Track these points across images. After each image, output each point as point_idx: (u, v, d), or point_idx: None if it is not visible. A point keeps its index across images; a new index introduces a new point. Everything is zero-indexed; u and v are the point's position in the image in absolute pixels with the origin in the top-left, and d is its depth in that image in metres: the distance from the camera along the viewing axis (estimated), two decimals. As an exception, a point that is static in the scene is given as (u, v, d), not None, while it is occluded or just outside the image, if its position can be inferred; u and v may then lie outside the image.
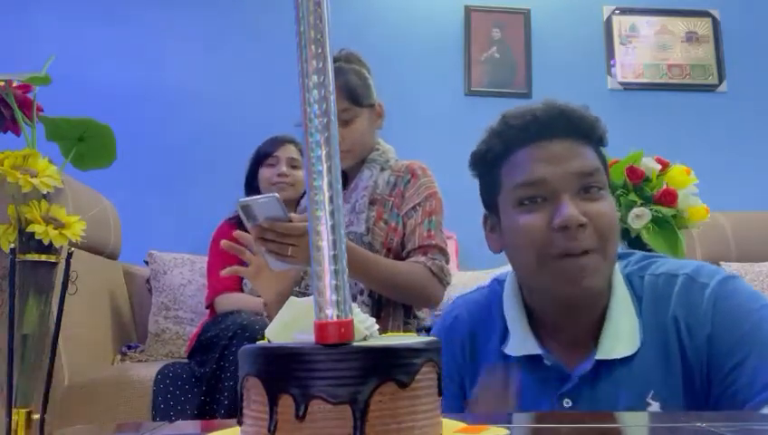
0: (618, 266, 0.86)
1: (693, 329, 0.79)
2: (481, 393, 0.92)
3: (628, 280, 0.85)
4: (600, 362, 0.81)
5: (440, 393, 0.42)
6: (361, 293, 1.37)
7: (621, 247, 1.63)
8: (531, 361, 0.86)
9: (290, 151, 2.16)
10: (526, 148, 0.83)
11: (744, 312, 0.78)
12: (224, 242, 1.24)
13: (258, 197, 1.16)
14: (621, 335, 0.81)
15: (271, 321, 0.45)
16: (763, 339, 0.76)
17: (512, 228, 0.84)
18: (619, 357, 0.81)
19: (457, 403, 0.95)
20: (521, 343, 0.87)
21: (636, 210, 1.64)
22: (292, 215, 1.16)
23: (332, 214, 0.39)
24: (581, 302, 0.83)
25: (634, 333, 0.81)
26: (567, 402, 0.83)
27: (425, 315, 1.48)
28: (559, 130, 0.82)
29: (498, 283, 0.96)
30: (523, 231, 0.82)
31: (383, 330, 0.53)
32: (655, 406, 0.79)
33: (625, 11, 3.35)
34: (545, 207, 0.81)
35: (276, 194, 1.15)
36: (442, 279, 1.34)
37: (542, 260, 0.81)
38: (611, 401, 0.80)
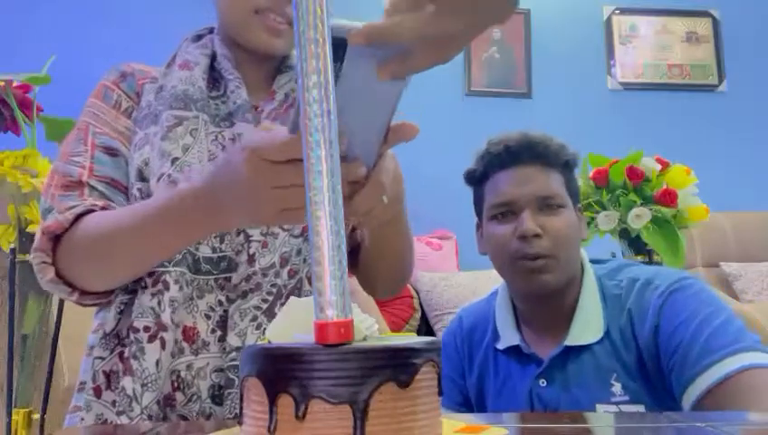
0: (592, 268, 1.02)
1: (642, 321, 0.92)
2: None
3: (600, 281, 1.00)
4: (569, 348, 0.96)
5: (440, 393, 0.42)
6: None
7: (624, 251, 1.65)
8: (514, 351, 1.03)
9: None
10: (501, 172, 1.01)
11: (691, 305, 0.89)
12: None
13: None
14: (588, 325, 0.96)
15: None
16: (713, 324, 0.86)
17: (488, 236, 1.03)
18: (585, 343, 0.95)
19: (456, 398, 1.10)
20: (506, 337, 1.04)
21: (636, 210, 1.64)
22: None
23: (332, 214, 0.39)
24: (542, 295, 0.98)
25: (599, 324, 0.96)
26: (542, 382, 0.98)
27: None
28: (526, 157, 0.99)
29: (495, 295, 1.11)
30: (495, 239, 1.00)
31: None
32: (617, 386, 0.92)
33: (625, 11, 3.35)
34: (512, 220, 0.98)
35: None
36: None
37: (507, 262, 0.99)
38: (580, 381, 0.95)
